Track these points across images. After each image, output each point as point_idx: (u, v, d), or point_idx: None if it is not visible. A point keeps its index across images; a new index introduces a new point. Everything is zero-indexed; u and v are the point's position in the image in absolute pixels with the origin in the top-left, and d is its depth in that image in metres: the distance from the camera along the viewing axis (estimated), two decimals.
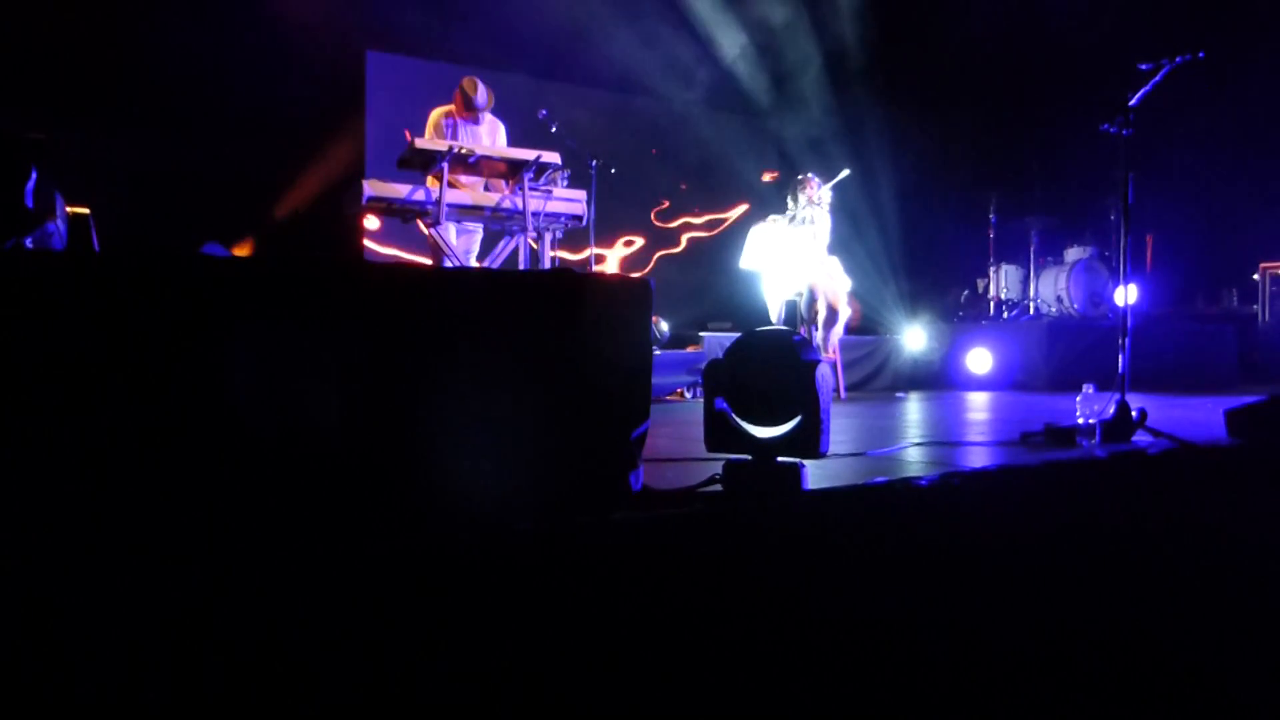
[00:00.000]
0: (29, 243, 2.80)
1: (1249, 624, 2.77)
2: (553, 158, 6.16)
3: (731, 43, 10.33)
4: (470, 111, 6.56)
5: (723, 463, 2.84)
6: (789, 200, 7.52)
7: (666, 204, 11.25)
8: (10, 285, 1.99)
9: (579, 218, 6.47)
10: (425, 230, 6.14)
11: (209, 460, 2.12)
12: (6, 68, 6.96)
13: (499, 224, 6.44)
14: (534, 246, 6.42)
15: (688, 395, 7.44)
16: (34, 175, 2.75)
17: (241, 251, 8.23)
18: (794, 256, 7.25)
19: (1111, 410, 4.23)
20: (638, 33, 9.54)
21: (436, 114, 6.65)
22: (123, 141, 7.15)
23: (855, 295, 7.56)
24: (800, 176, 7.61)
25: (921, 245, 11.33)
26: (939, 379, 9.39)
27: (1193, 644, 2.66)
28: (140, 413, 2.06)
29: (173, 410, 2.09)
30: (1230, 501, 3.51)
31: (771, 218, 7.52)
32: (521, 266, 6.33)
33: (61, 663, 1.68)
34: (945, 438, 4.57)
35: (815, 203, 7.36)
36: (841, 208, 7.66)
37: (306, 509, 2.20)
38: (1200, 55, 4.45)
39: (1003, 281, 10.58)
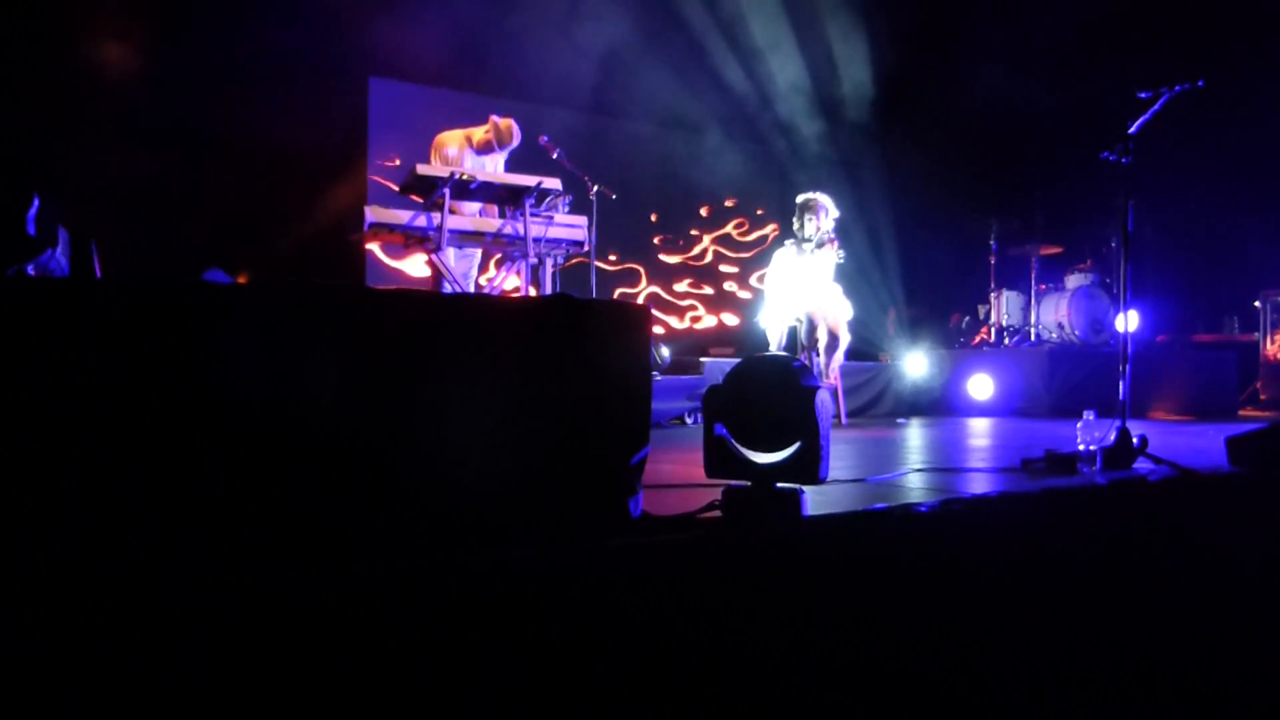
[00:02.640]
0: (30, 270, 2.81)
1: (1249, 651, 2.76)
2: (554, 184, 6.19)
3: (732, 70, 10.38)
4: (494, 145, 6.60)
5: (723, 488, 2.84)
6: (794, 223, 7.43)
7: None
8: (12, 311, 2.00)
9: (580, 243, 6.49)
10: (427, 256, 6.16)
11: (207, 485, 2.12)
12: (7, 90, 7.00)
13: (500, 250, 6.46)
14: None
15: (688, 421, 7.43)
16: (36, 203, 2.76)
17: (243, 279, 8.25)
18: (796, 282, 7.24)
19: (1112, 437, 4.22)
20: (641, 61, 9.59)
21: (445, 137, 6.66)
22: (122, 167, 7.17)
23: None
24: (807, 199, 7.40)
25: (923, 272, 11.36)
26: (940, 405, 9.38)
27: (1193, 671, 2.65)
28: (142, 438, 2.06)
29: (175, 435, 2.09)
30: (1231, 530, 3.51)
31: (787, 243, 7.45)
32: (523, 292, 6.35)
33: (62, 665, 1.68)
34: (946, 464, 4.57)
35: (822, 234, 7.30)
36: (843, 235, 7.57)
37: (302, 530, 2.20)
38: (1200, 84, 4.47)
39: (1004, 308, 10.59)
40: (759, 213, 11.98)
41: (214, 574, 2.00)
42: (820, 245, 7.25)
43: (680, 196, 11.26)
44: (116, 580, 1.94)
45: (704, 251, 11.58)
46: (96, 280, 2.97)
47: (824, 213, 7.33)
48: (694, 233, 11.53)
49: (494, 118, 6.68)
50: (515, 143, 6.64)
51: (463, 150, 6.64)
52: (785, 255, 7.36)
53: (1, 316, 1.98)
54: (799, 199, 7.46)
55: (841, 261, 7.38)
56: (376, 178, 9.07)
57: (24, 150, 6.66)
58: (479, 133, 6.67)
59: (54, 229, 2.90)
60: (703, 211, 11.56)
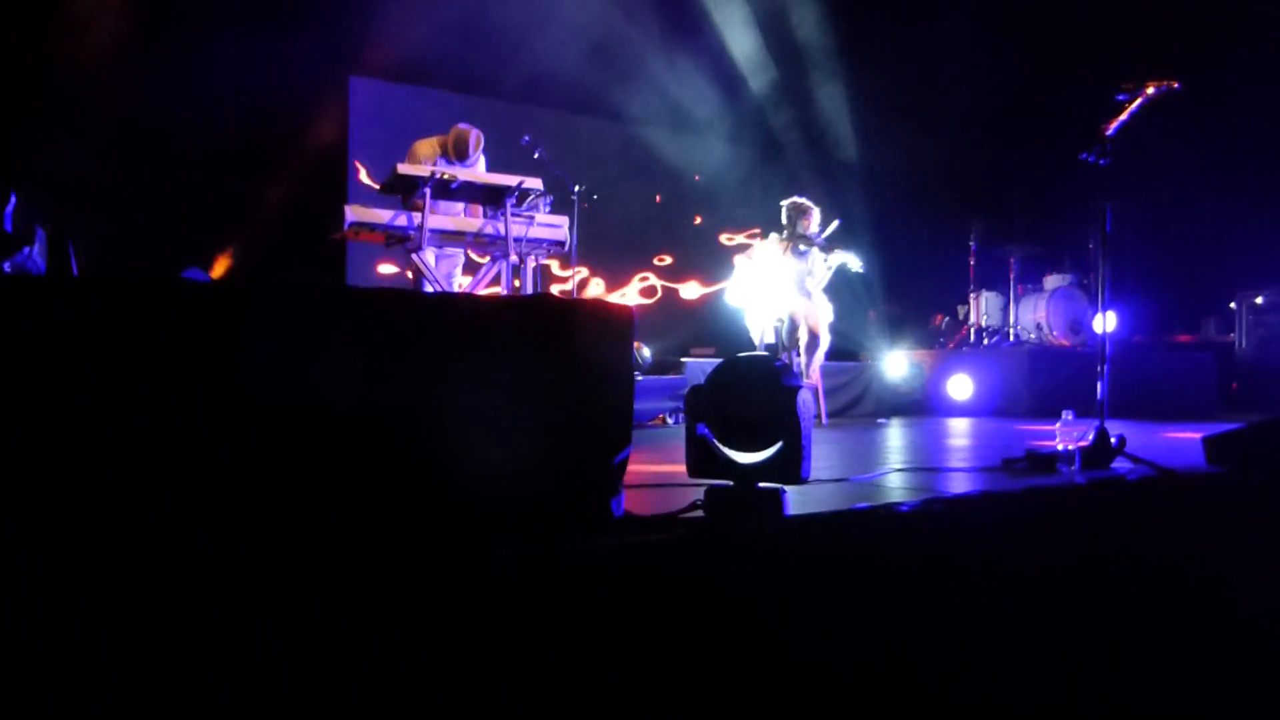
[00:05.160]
0: (7, 267, 2.79)
1: (1225, 648, 2.78)
2: (535, 184, 6.18)
3: (712, 71, 10.39)
4: (461, 159, 6.55)
5: (704, 488, 2.84)
6: (784, 223, 7.42)
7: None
8: None
9: (561, 243, 6.48)
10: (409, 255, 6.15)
11: (184, 485, 2.10)
12: None
13: (481, 249, 6.45)
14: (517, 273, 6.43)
15: (670, 421, 7.43)
16: (13, 200, 2.73)
17: (216, 274, 8.23)
18: (777, 282, 7.24)
19: (1091, 437, 4.24)
20: (621, 61, 9.59)
21: (421, 146, 6.65)
22: (100, 166, 7.12)
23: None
24: (799, 201, 7.41)
25: (903, 272, 11.40)
26: (920, 405, 9.41)
27: (1173, 667, 2.67)
28: (119, 437, 2.05)
29: (153, 435, 2.07)
30: (1209, 528, 3.53)
31: (773, 235, 7.43)
32: (503, 291, 6.34)
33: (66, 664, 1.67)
34: (927, 464, 4.58)
35: (815, 244, 7.31)
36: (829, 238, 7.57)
37: (281, 530, 2.18)
38: (1177, 86, 4.50)
39: (983, 308, 10.64)
40: (738, 213, 11.99)
41: (195, 575, 1.98)
42: (825, 249, 7.29)
43: (659, 197, 11.27)
44: (96, 582, 1.93)
45: (682, 251, 11.58)
46: (74, 278, 2.95)
47: (814, 215, 7.37)
48: (676, 227, 11.55)
49: (457, 126, 6.61)
50: (473, 156, 6.56)
51: (436, 157, 6.62)
52: (769, 249, 7.34)
53: None
54: (790, 201, 7.44)
55: (861, 270, 7.43)
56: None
57: (1, 148, 6.60)
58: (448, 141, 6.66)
59: (31, 227, 2.87)
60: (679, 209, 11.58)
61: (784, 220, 7.41)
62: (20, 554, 1.93)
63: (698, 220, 11.44)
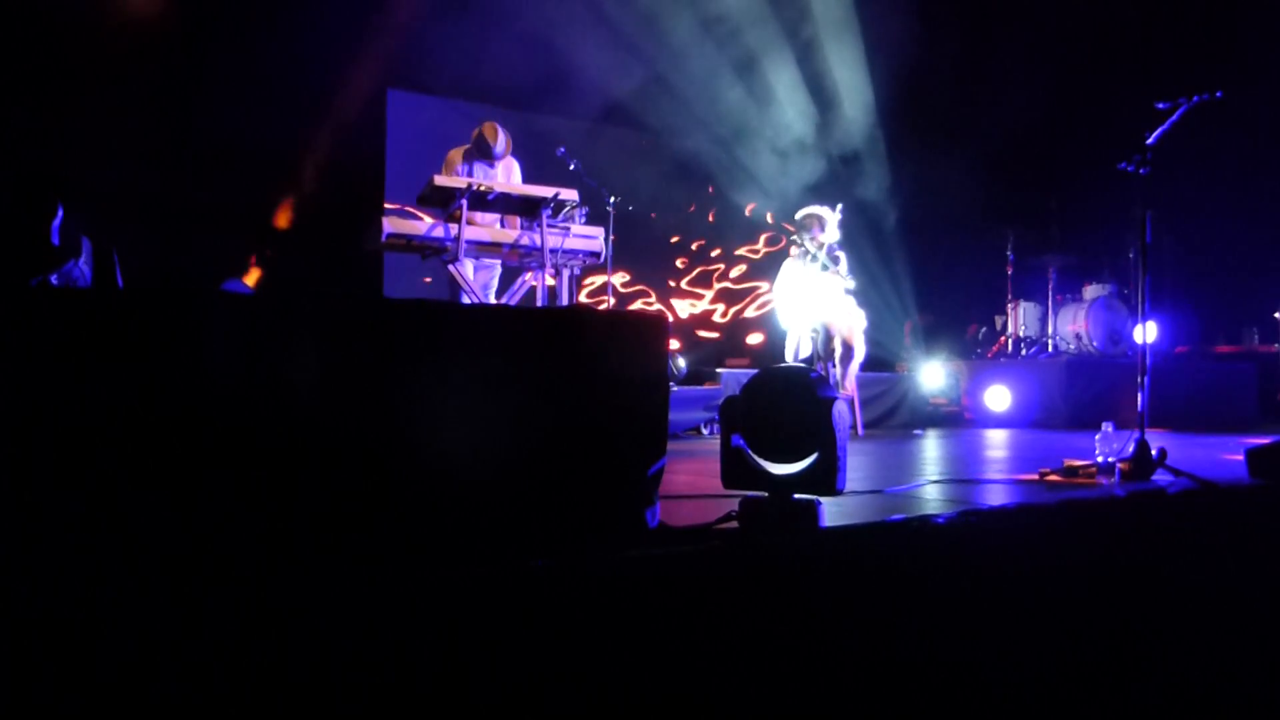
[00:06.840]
0: (54, 279, 2.84)
1: (1268, 661, 2.75)
2: (570, 195, 6.20)
3: (747, 82, 10.39)
4: (487, 157, 6.63)
5: (739, 499, 2.84)
6: (797, 239, 7.40)
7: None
8: (37, 320, 2.02)
9: (597, 254, 6.50)
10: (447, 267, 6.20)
11: (230, 491, 2.13)
12: (27, 99, 7.06)
13: (517, 261, 6.48)
14: (551, 283, 6.46)
15: (704, 432, 7.42)
16: (60, 213, 2.78)
17: (249, 276, 8.33)
18: (809, 293, 7.22)
19: (1131, 449, 4.20)
20: (655, 73, 9.62)
21: (454, 154, 6.72)
22: (143, 178, 7.23)
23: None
24: (807, 213, 7.41)
25: (939, 282, 11.32)
26: (957, 416, 9.34)
27: (1209, 682, 2.64)
28: (166, 444, 2.08)
29: (199, 441, 2.11)
30: (1251, 542, 3.49)
31: (793, 251, 7.42)
32: (540, 303, 6.36)
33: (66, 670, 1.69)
34: (963, 475, 4.55)
35: (825, 249, 7.28)
36: (859, 243, 7.53)
37: (321, 535, 2.21)
38: (1218, 95, 4.45)
39: (1021, 319, 10.56)
40: (778, 226, 11.98)
41: (244, 581, 2.01)
42: (826, 267, 7.23)
43: (694, 207, 11.30)
44: (157, 588, 1.96)
45: (719, 262, 11.60)
46: (120, 290, 3.00)
47: (821, 227, 7.30)
48: (705, 242, 11.57)
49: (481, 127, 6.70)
50: (500, 144, 6.63)
51: (473, 162, 6.68)
52: (793, 266, 7.35)
53: (27, 325, 2.00)
54: (798, 215, 7.43)
55: (852, 287, 7.34)
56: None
57: (48, 161, 6.72)
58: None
59: (77, 239, 2.92)
60: (711, 218, 11.60)
61: (796, 238, 7.38)
62: (54, 560, 1.97)
63: (750, 209, 11.48)
